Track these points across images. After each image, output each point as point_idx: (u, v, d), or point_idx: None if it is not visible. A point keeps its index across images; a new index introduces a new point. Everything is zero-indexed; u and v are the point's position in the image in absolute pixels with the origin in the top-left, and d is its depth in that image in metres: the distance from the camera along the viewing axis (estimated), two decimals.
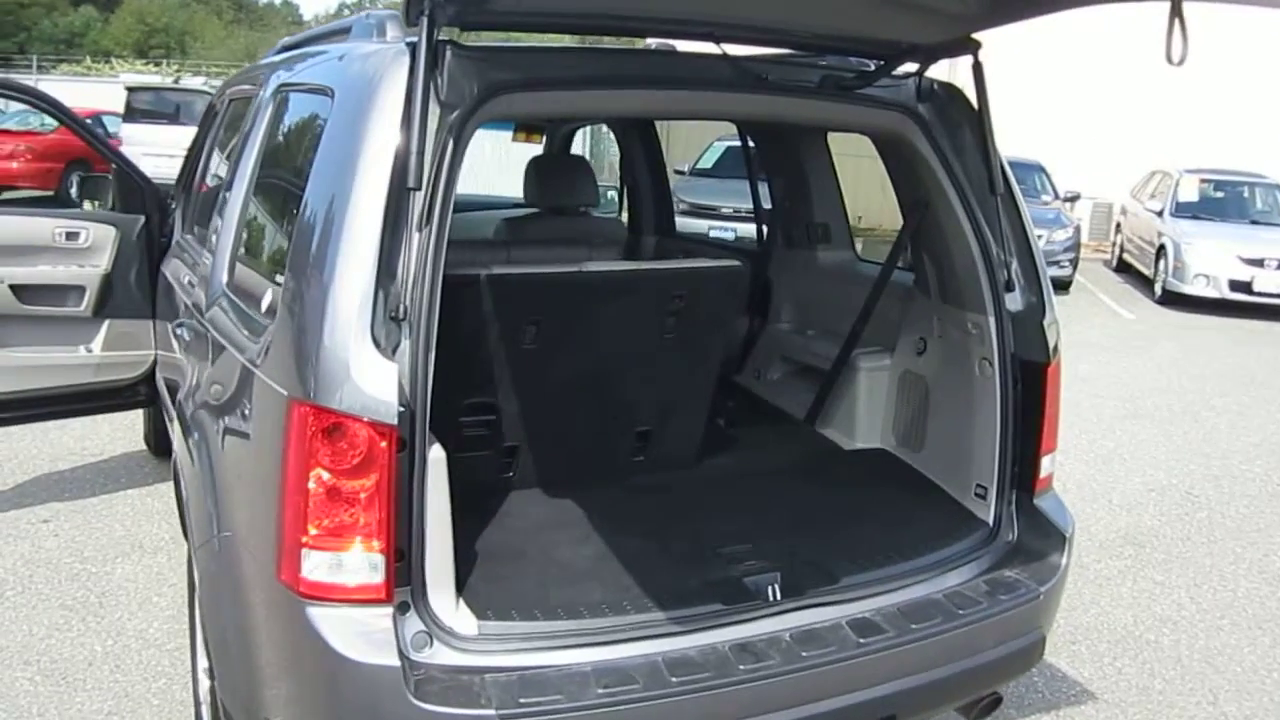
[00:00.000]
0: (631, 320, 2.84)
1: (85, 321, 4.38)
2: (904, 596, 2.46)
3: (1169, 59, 1.82)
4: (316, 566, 1.99)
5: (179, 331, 3.23)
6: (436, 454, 2.10)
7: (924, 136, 2.69)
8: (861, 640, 2.28)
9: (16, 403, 4.30)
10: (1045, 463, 2.78)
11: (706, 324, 2.94)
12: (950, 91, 2.76)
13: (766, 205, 4.32)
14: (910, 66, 2.69)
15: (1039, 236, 13.75)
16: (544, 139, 5.62)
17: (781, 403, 3.78)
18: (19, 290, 4.21)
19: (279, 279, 2.24)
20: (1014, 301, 2.76)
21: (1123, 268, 15.13)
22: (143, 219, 4.46)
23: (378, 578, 2.00)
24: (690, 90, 2.50)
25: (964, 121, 2.74)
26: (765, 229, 4.35)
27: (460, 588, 2.22)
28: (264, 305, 2.37)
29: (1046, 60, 16.56)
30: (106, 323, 4.40)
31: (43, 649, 3.55)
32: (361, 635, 1.97)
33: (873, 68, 2.67)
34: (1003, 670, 2.58)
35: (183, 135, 7.57)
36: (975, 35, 2.51)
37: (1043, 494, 2.80)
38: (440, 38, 2.12)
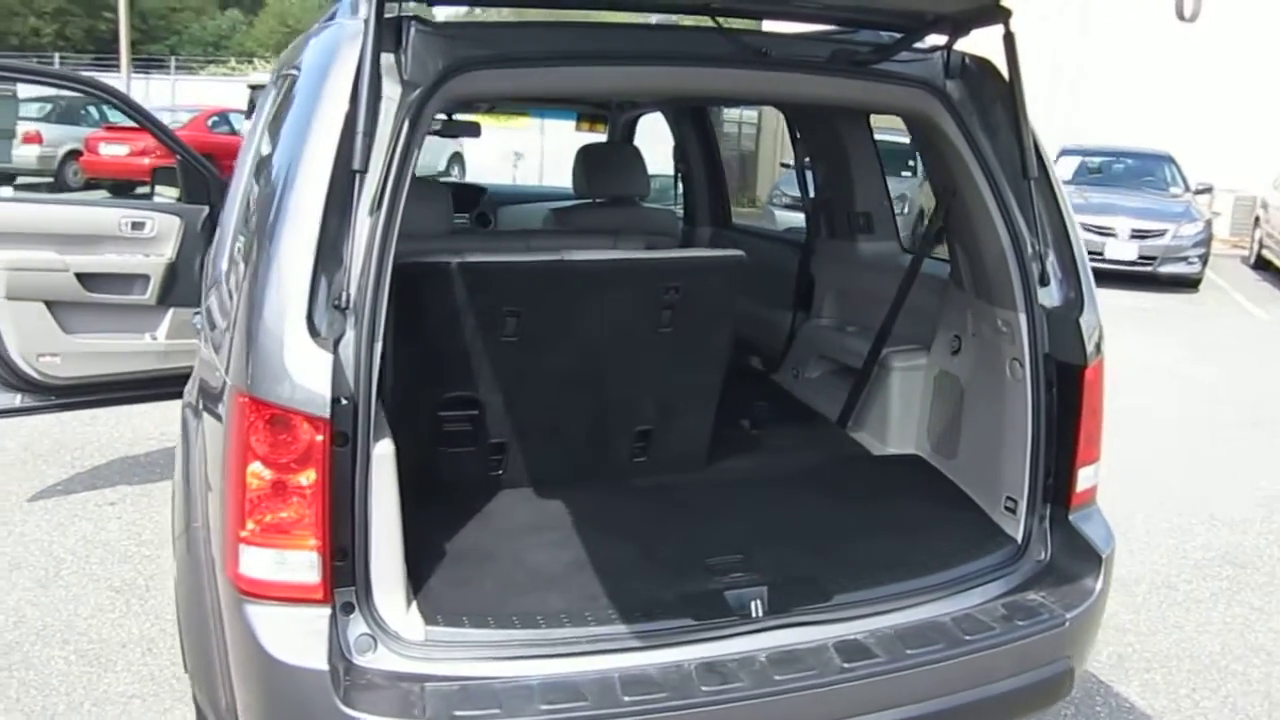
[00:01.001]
0: (622, 312, 2.69)
1: (150, 310, 4.48)
2: (905, 618, 2.25)
3: (1180, 15, 1.60)
4: (254, 563, 1.93)
5: (194, 320, 3.26)
6: (383, 449, 2.01)
7: (949, 115, 2.47)
8: (846, 665, 2.08)
9: (83, 388, 4.43)
10: (1084, 475, 2.52)
11: (707, 318, 2.77)
12: (983, 66, 2.53)
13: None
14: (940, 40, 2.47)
15: (1164, 231, 12.86)
16: (606, 129, 5.49)
17: (818, 404, 3.56)
18: (85, 279, 4.34)
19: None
20: (1049, 297, 2.51)
21: (1262, 265, 14.14)
22: (207, 209, 4.54)
23: (314, 577, 1.93)
24: (681, 67, 2.33)
25: (997, 100, 2.51)
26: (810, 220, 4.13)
27: (418, 589, 2.13)
28: (232, 295, 2.33)
29: (1187, 47, 15.60)
30: (170, 311, 4.50)
31: (84, 629, 3.63)
32: (294, 636, 1.90)
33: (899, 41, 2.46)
34: (1019, 704, 2.33)
35: None
36: (1005, 3, 2.28)
37: (1081, 510, 2.54)
38: (405, 14, 2.03)
